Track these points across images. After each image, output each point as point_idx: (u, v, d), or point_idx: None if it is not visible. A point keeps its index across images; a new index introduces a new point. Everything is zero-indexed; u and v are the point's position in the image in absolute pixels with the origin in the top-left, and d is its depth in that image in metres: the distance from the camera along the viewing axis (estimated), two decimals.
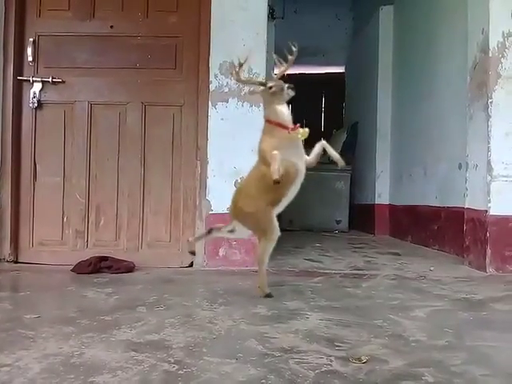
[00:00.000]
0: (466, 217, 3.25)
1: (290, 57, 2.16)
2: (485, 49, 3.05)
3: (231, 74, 2.35)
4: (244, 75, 2.37)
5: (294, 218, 5.52)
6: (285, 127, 2.16)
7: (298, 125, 2.18)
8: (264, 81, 2.29)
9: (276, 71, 2.27)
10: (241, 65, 2.23)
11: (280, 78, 2.21)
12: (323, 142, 2.29)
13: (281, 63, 2.18)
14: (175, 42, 3.18)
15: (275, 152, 2.06)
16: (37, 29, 3.18)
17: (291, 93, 2.18)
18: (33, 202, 3.17)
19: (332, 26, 7.58)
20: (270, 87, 2.18)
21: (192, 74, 3.16)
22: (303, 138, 2.18)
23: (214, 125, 3.10)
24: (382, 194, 5.50)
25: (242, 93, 3.08)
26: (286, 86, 2.16)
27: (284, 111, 2.19)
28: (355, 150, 6.26)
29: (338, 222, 5.84)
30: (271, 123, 2.19)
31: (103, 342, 1.56)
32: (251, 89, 2.33)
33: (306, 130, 2.18)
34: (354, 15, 7.63)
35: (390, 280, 2.75)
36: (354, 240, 4.95)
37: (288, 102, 2.22)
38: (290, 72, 2.26)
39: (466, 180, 3.27)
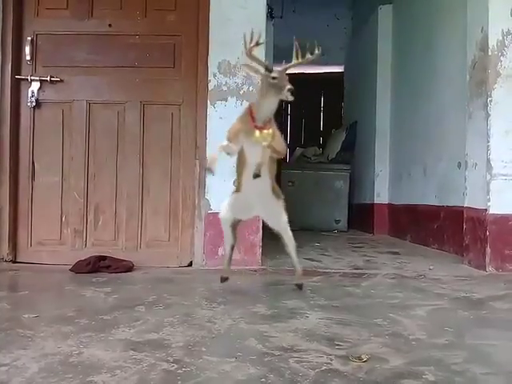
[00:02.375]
0: (465, 216, 3.25)
1: (308, 55, 2.05)
2: (484, 47, 3.05)
3: (244, 46, 2.05)
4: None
5: (294, 218, 5.49)
6: (253, 120, 2.08)
7: (267, 127, 2.08)
8: (270, 67, 2.06)
9: (284, 65, 2.05)
10: (258, 44, 2.05)
11: (285, 73, 2.05)
12: (264, 146, 2.10)
13: (297, 57, 2.05)
14: (174, 40, 3.17)
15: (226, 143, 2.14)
16: (35, 28, 3.17)
17: (289, 97, 1.99)
18: (31, 202, 3.16)
19: (331, 26, 7.56)
20: (274, 77, 2.02)
21: (191, 73, 3.15)
22: (258, 140, 2.07)
23: (213, 124, 3.08)
24: (381, 193, 5.49)
25: (241, 91, 3.07)
26: (288, 87, 1.97)
27: (266, 107, 2.06)
28: (354, 149, 6.26)
29: (337, 222, 5.83)
30: (250, 111, 2.10)
31: (102, 342, 1.55)
32: (252, 64, 2.08)
33: (269, 132, 2.07)
34: (352, 15, 7.62)
35: (390, 279, 2.75)
36: (354, 239, 4.94)
37: (281, 102, 2.10)
38: (289, 71, 2.15)
39: (466, 179, 3.27)
